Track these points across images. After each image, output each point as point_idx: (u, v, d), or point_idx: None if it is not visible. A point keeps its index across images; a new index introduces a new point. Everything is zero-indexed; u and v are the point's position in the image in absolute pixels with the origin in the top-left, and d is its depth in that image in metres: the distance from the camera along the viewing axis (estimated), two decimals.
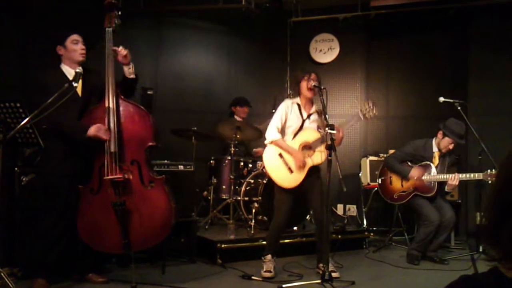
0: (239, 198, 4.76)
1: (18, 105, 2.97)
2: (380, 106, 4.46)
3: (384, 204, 5.21)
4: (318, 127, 3.86)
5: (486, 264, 0.98)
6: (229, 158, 4.89)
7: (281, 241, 4.13)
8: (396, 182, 4.67)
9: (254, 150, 5.45)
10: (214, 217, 5.01)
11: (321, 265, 3.77)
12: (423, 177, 4.48)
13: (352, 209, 5.80)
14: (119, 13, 3.43)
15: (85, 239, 3.32)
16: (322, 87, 3.73)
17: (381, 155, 5.60)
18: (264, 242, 4.03)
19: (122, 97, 3.39)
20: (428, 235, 4.34)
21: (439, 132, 4.50)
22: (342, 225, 5.00)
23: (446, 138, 4.43)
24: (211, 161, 5.14)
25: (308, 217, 4.97)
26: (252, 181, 4.84)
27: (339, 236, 4.76)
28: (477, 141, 4.45)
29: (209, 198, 4.98)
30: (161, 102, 5.53)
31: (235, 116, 5.45)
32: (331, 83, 5.85)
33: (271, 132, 3.84)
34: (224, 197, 4.96)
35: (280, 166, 3.82)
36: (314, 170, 3.84)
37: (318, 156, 3.79)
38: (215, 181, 5.04)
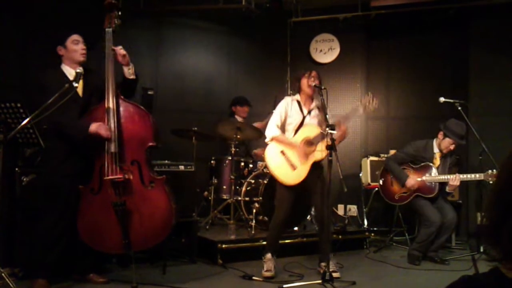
0: (239, 198, 4.75)
1: (18, 105, 2.97)
2: (380, 106, 4.43)
3: (384, 204, 5.21)
4: (319, 123, 3.85)
5: (487, 264, 0.98)
6: (230, 158, 4.88)
7: (281, 241, 4.14)
8: (397, 183, 4.67)
9: (254, 151, 5.43)
10: (214, 217, 5.01)
11: (323, 264, 3.77)
12: (424, 178, 4.48)
13: (353, 209, 5.78)
14: (119, 13, 3.43)
15: (86, 239, 3.32)
16: (323, 87, 3.73)
17: (382, 155, 5.60)
18: (265, 243, 4.03)
19: (122, 97, 3.39)
20: (430, 236, 4.33)
21: (440, 133, 4.50)
22: (343, 225, 5.00)
23: (447, 139, 4.42)
24: (212, 161, 5.14)
25: (308, 217, 4.97)
26: (252, 181, 4.83)
27: (340, 236, 4.76)
28: (478, 142, 4.45)
29: (210, 198, 4.98)
30: (161, 102, 5.52)
31: (236, 116, 5.46)
32: (332, 83, 5.84)
33: (271, 129, 3.84)
34: (225, 197, 4.95)
35: (283, 164, 3.81)
36: (316, 167, 3.83)
37: (319, 152, 3.78)
38: (215, 181, 5.03)
